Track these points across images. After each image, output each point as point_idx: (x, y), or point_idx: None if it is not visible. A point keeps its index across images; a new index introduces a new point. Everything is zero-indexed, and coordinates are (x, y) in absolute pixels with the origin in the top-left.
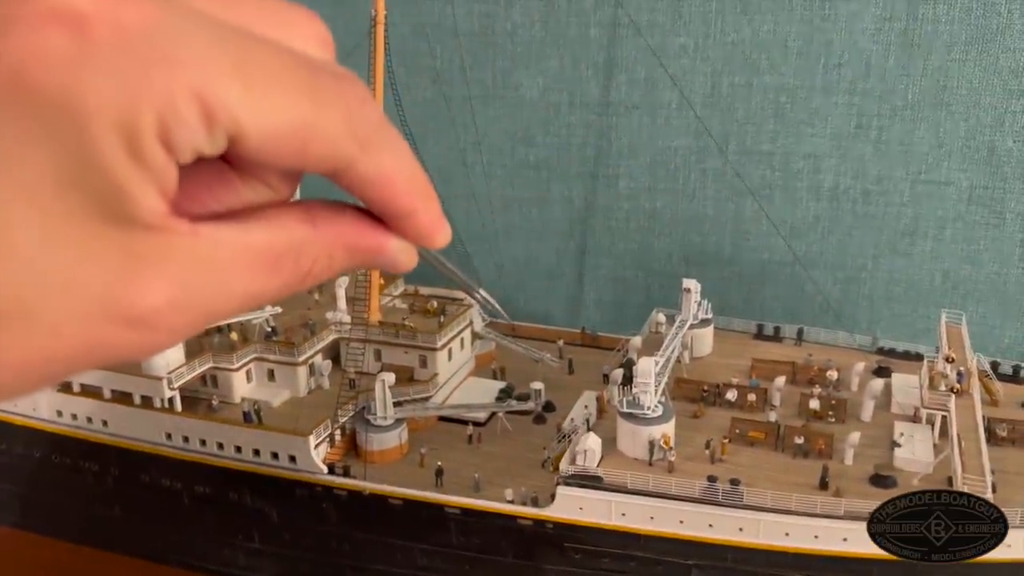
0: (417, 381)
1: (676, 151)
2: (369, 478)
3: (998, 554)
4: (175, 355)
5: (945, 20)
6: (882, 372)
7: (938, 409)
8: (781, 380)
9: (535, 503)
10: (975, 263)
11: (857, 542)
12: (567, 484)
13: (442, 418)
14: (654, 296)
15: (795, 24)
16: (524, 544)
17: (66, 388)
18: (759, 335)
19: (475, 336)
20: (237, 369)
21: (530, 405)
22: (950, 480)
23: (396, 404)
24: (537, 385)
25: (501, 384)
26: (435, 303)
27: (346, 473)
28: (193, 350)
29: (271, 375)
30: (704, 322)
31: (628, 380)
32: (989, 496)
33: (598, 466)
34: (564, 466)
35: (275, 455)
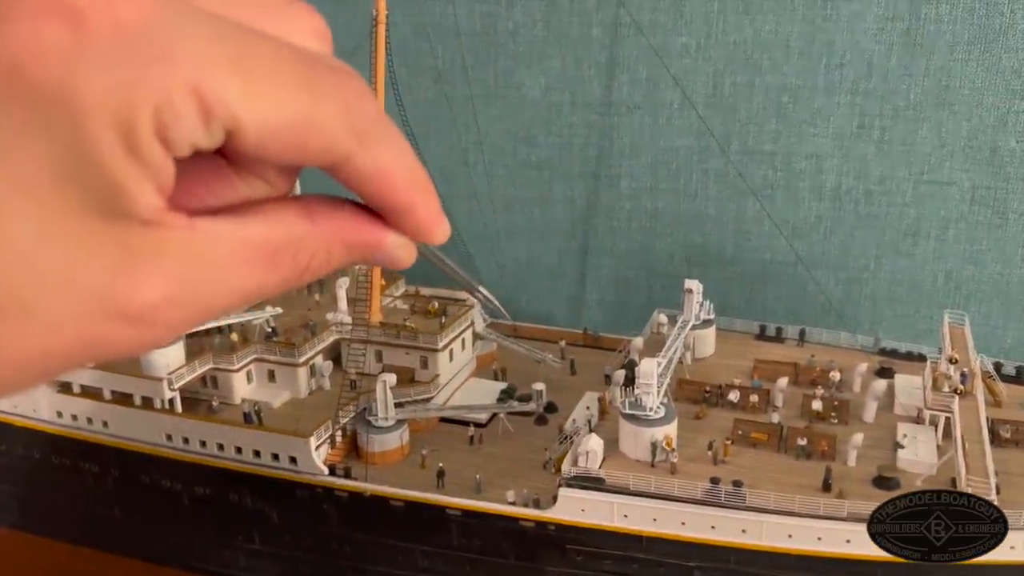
0: (418, 382)
1: (678, 151)
2: (370, 479)
3: (1003, 556)
4: (175, 356)
5: (948, 20)
6: (885, 373)
7: (941, 410)
8: (783, 381)
9: (537, 504)
10: (978, 263)
11: (860, 544)
12: (569, 485)
13: (443, 419)
14: (656, 297)
15: (797, 24)
16: (526, 546)
17: (66, 389)
18: (761, 336)
19: (476, 337)
20: (237, 370)
21: (532, 406)
22: (954, 481)
23: (397, 405)
24: (539, 386)
25: (503, 385)
26: (436, 304)
27: (347, 474)
28: (193, 351)
29: (272, 376)
30: (706, 323)
31: (630, 381)
32: (993, 498)
33: (600, 467)
34: (566, 467)
35: (276, 456)
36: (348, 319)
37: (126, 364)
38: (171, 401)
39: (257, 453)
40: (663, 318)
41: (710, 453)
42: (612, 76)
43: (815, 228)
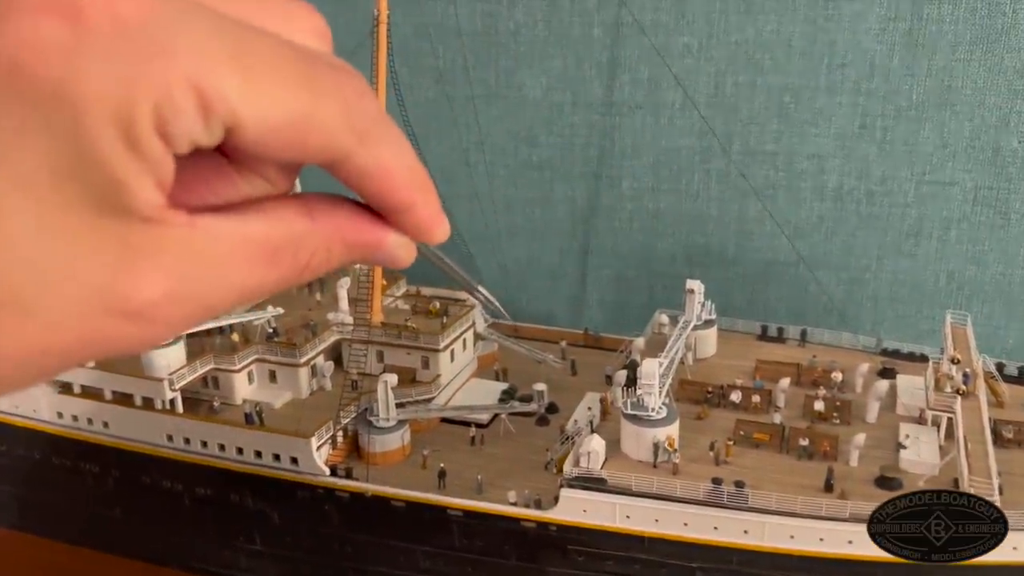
0: (419, 382)
1: (680, 151)
2: (371, 480)
3: (1005, 557)
4: (176, 356)
5: (950, 20)
6: (887, 373)
7: (944, 411)
8: (785, 381)
9: (538, 505)
10: (980, 264)
11: (862, 545)
12: (571, 486)
13: (445, 420)
14: (657, 297)
15: (799, 24)
16: (527, 546)
17: (67, 389)
18: (763, 336)
19: (477, 337)
20: (238, 370)
21: (533, 406)
22: (956, 482)
23: (398, 405)
24: (540, 386)
25: (504, 385)
26: (437, 304)
27: (348, 475)
28: (194, 351)
29: (273, 376)
30: (708, 323)
31: (632, 382)
32: (996, 499)
33: (602, 468)
34: (568, 468)
35: (277, 457)
36: (349, 319)
37: (127, 364)
38: (172, 401)
39: (258, 453)
40: (664, 318)
41: (712, 454)
42: (613, 76)
43: (817, 228)
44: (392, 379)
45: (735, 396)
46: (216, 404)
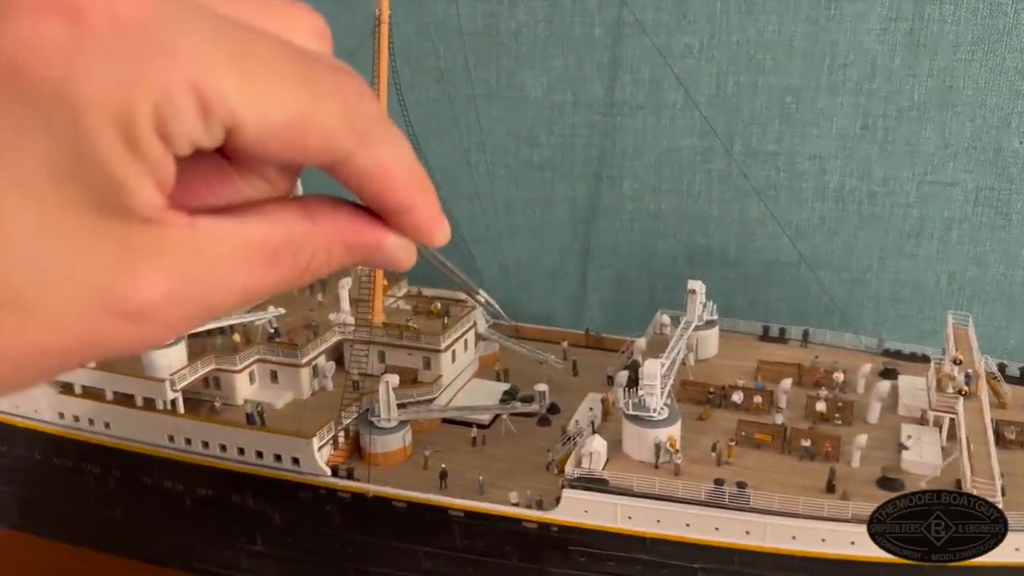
0: (421, 383)
1: (681, 151)
2: (373, 480)
3: (1008, 558)
4: (178, 357)
5: (951, 20)
6: (888, 374)
7: (946, 411)
8: (787, 382)
9: (540, 506)
10: (981, 264)
11: (864, 545)
12: (572, 487)
13: (446, 420)
14: (658, 297)
15: (800, 24)
16: (529, 547)
17: (68, 390)
18: (764, 337)
19: (479, 337)
20: (240, 371)
21: (534, 407)
22: (959, 483)
23: (400, 406)
24: (541, 387)
25: (505, 386)
26: (439, 304)
27: (350, 475)
28: (196, 352)
29: (274, 377)
30: (709, 323)
31: (634, 382)
32: (999, 500)
33: (603, 469)
34: (569, 469)
35: (278, 457)
36: (351, 320)
37: (128, 365)
38: (173, 402)
39: (259, 454)
40: (666, 319)
41: (714, 454)
42: (615, 76)
43: (818, 229)
44: (393, 379)
45: (737, 397)
46: (217, 404)
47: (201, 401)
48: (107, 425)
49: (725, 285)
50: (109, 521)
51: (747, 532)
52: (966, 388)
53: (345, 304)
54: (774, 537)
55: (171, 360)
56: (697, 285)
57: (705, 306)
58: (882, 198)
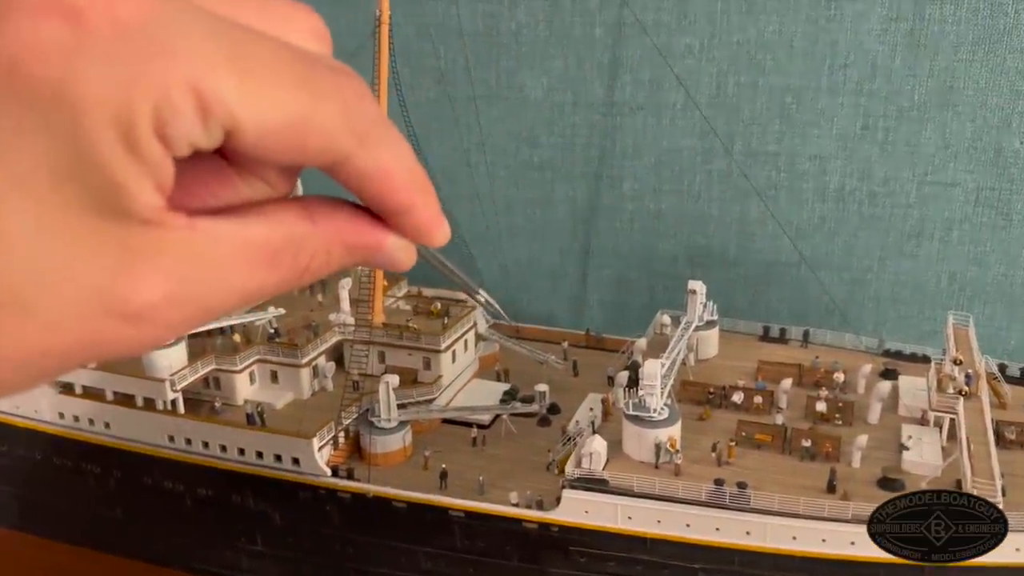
0: (421, 383)
1: (681, 152)
2: (373, 481)
3: (1008, 558)
4: (178, 357)
5: (952, 20)
6: (889, 374)
7: (946, 412)
8: (787, 382)
9: (540, 506)
10: (982, 265)
11: (865, 546)
12: (572, 487)
13: (446, 420)
14: (658, 298)
15: (800, 24)
16: (529, 547)
17: (68, 390)
18: (765, 337)
19: (479, 338)
20: (240, 371)
21: (535, 407)
22: (959, 483)
23: (400, 406)
24: (541, 387)
25: (505, 386)
26: (439, 304)
27: (350, 476)
28: (196, 352)
29: (274, 377)
30: (709, 324)
31: (634, 382)
32: (999, 500)
33: (604, 469)
34: (569, 469)
35: (278, 457)
36: (351, 320)
37: (128, 365)
38: (173, 402)
39: (260, 454)
40: (666, 319)
41: (714, 455)
42: (615, 76)
43: (819, 229)
44: (394, 380)
45: (737, 397)
46: (218, 405)
47: (201, 401)
48: (107, 425)
49: (725, 285)
50: (109, 521)
51: (747, 532)
52: (966, 388)
53: (345, 304)
54: (774, 537)
55: (171, 360)
56: (697, 285)
57: (705, 306)
58: (882, 198)
